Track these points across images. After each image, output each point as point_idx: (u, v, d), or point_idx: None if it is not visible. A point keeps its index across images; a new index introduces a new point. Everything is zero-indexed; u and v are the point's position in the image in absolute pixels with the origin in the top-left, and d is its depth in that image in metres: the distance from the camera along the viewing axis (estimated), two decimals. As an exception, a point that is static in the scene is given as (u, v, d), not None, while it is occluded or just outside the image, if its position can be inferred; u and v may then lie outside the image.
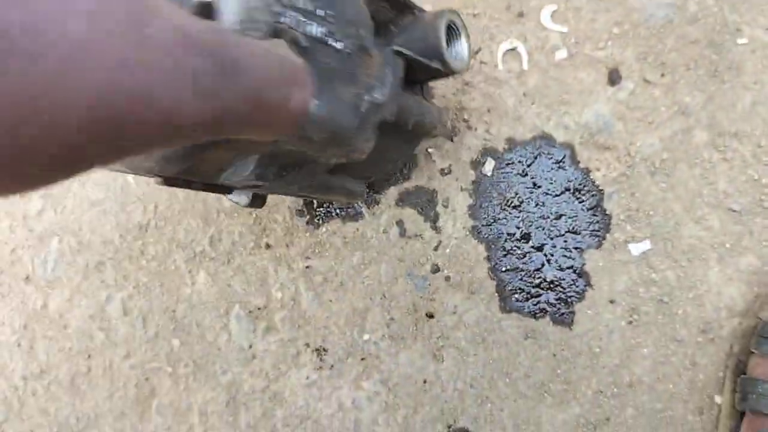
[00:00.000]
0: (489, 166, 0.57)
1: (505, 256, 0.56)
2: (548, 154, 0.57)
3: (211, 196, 0.58)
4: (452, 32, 0.44)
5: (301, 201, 0.58)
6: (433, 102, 0.46)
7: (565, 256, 0.55)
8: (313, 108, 0.31)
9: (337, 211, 0.57)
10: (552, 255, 0.55)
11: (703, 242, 0.54)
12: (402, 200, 0.57)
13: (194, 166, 0.36)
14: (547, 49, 0.58)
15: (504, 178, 0.57)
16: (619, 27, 0.57)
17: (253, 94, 0.26)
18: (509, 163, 0.57)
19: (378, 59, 0.38)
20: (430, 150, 0.57)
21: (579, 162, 0.56)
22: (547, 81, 0.57)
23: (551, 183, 0.56)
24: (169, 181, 0.39)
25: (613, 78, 0.57)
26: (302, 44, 0.32)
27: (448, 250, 0.56)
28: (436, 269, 0.56)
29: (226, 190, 0.44)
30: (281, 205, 0.58)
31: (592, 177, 0.56)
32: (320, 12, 0.34)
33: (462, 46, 0.45)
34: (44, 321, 0.58)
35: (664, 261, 0.54)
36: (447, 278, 0.56)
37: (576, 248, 0.55)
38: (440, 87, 0.58)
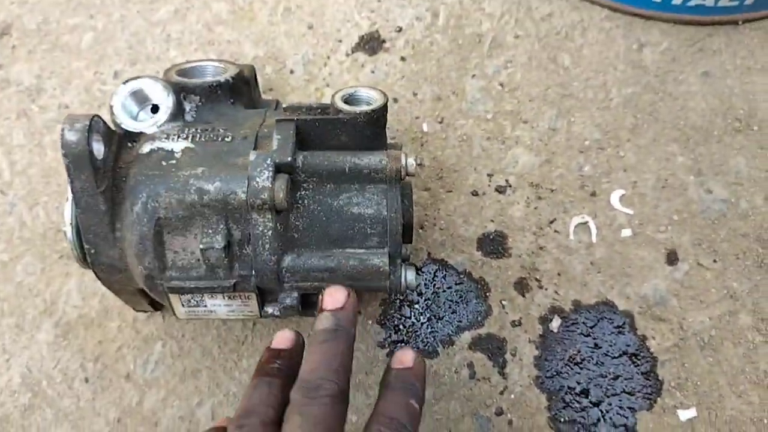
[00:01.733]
0: (555, 323, 0.74)
1: (564, 407, 0.72)
2: (610, 319, 0.74)
3: (304, 320, 0.75)
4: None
5: (383, 334, 0.74)
6: (386, 150, 0.63)
7: (620, 414, 0.71)
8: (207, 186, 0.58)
9: (416, 347, 0.74)
10: (607, 412, 0.71)
11: (744, 415, 0.70)
12: (474, 344, 0.74)
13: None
14: (614, 226, 0.77)
15: (568, 336, 0.74)
16: (678, 215, 0.77)
17: None
18: (574, 323, 0.74)
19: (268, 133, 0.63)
20: (503, 302, 0.75)
21: (637, 329, 0.74)
22: (612, 254, 0.76)
23: (611, 345, 0.73)
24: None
25: (671, 258, 0.75)
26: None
27: (512, 396, 0.73)
28: (500, 412, 0.72)
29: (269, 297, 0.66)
30: (365, 335, 0.75)
31: (647, 344, 0.73)
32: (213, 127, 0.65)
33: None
34: (137, 417, 0.74)
35: (708, 429, 0.70)
36: (510, 422, 0.72)
37: (630, 408, 0.71)
38: (517, 247, 0.76)
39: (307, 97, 0.84)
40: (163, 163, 0.60)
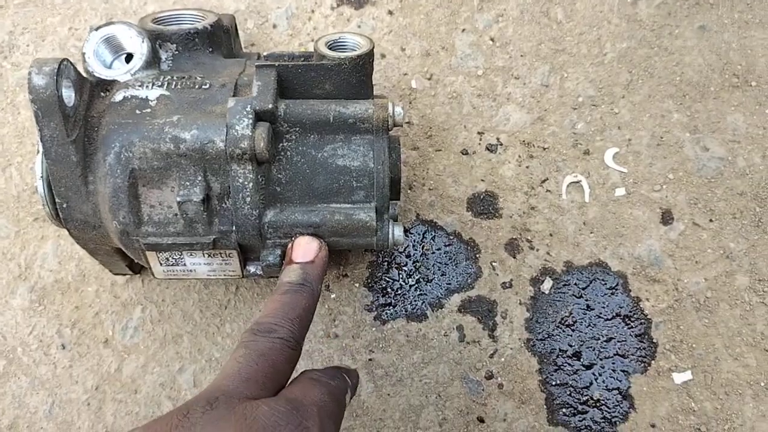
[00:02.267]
0: (547, 284, 0.71)
1: (556, 370, 0.69)
2: (603, 280, 0.71)
3: (289, 284, 0.71)
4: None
5: (370, 297, 0.71)
6: (373, 99, 0.60)
7: (613, 377, 0.68)
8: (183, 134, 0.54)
9: (404, 310, 0.71)
10: (600, 375, 0.68)
11: (740, 378, 0.67)
12: (464, 307, 0.71)
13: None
14: (607, 185, 0.73)
15: (560, 297, 0.71)
16: (674, 173, 0.73)
17: None
18: (566, 284, 0.71)
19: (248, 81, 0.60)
20: (494, 264, 0.72)
21: (630, 291, 0.70)
22: (605, 214, 0.73)
23: (604, 307, 0.70)
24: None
25: (666, 218, 0.72)
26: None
27: (502, 359, 0.70)
28: (490, 376, 0.69)
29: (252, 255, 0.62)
30: (352, 299, 0.72)
31: (641, 306, 0.70)
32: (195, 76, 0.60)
33: None
34: (116, 384, 0.70)
35: (703, 392, 0.67)
36: (500, 386, 0.69)
37: (623, 371, 0.68)
38: (508, 207, 0.73)
39: (290, 54, 0.79)
40: (137, 111, 0.56)
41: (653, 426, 0.68)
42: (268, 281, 0.72)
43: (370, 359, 0.71)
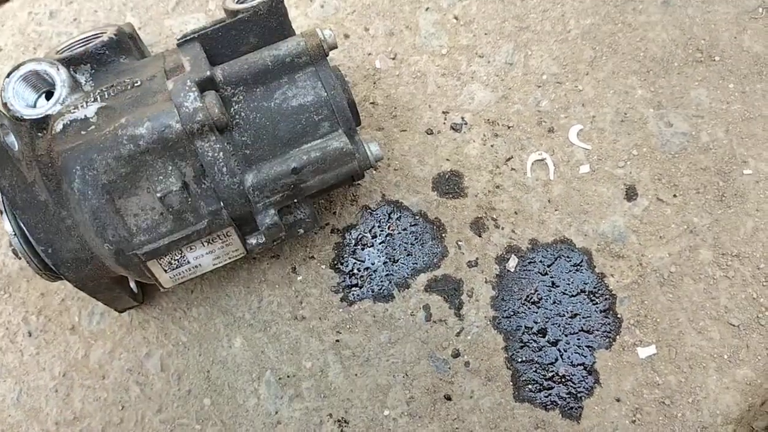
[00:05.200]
0: (512, 262, 0.68)
1: (521, 347, 0.66)
2: (567, 257, 0.68)
3: (255, 267, 0.68)
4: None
5: (337, 278, 0.68)
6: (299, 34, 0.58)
7: (578, 353, 0.65)
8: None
9: (371, 291, 0.68)
10: (565, 351, 0.65)
11: (704, 351, 0.65)
12: (430, 287, 0.68)
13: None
14: (572, 163, 0.70)
15: (525, 275, 0.68)
16: (637, 149, 0.70)
17: None
18: (531, 262, 0.68)
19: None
20: (459, 243, 0.68)
21: (595, 267, 0.67)
22: (570, 191, 0.69)
23: (568, 284, 0.67)
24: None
25: (630, 194, 0.69)
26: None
27: (469, 337, 0.66)
28: (456, 354, 0.66)
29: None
30: (319, 280, 0.68)
31: (606, 282, 0.67)
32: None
33: None
34: (83, 370, 0.67)
35: (667, 366, 0.65)
36: (466, 363, 0.66)
37: (588, 346, 0.65)
38: (473, 186, 0.70)
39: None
40: (82, 132, 0.52)
41: (618, 400, 0.65)
42: (234, 265, 0.69)
43: (337, 340, 0.67)
